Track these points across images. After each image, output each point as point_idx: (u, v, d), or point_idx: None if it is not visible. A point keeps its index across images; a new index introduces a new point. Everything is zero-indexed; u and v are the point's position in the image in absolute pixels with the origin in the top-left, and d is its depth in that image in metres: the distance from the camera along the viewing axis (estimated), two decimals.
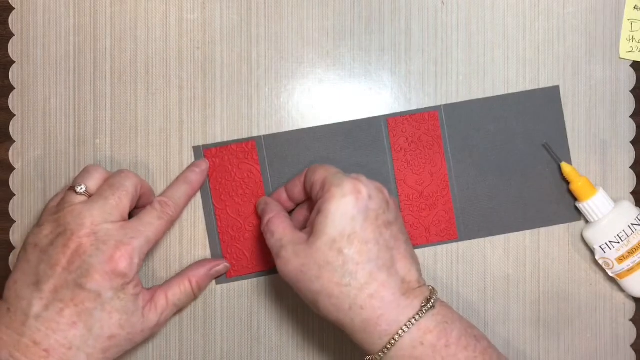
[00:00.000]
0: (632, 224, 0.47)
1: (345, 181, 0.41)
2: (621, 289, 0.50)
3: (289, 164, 0.49)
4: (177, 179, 0.48)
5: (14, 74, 0.49)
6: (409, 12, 0.50)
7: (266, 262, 0.49)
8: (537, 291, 0.50)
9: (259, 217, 0.47)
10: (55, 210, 0.42)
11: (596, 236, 0.48)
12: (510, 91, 0.50)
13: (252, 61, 0.49)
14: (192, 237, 0.49)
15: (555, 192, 0.50)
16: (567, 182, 0.49)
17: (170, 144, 0.49)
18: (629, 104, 0.50)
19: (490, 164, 0.50)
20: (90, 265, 0.40)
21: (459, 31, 0.50)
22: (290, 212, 0.48)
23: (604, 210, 0.48)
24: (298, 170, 0.48)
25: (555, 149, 0.50)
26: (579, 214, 0.50)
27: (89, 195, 0.43)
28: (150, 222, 0.43)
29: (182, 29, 0.49)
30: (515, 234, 0.50)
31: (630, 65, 0.50)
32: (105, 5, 0.49)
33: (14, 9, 0.49)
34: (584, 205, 0.48)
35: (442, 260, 0.50)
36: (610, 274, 0.49)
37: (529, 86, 0.50)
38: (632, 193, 0.51)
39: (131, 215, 0.44)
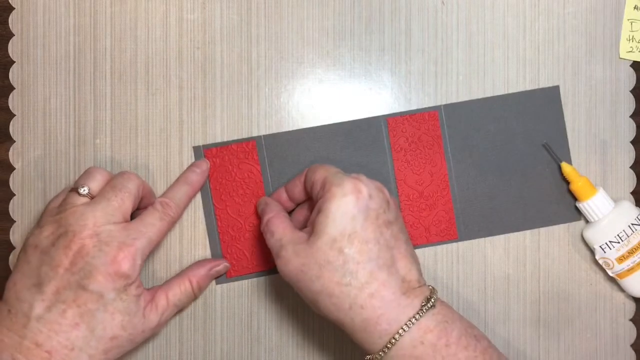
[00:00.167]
0: (632, 224, 0.47)
1: (345, 180, 0.41)
2: (621, 289, 0.50)
3: (289, 164, 0.49)
4: (178, 179, 0.48)
5: (14, 74, 0.49)
6: (409, 12, 0.50)
7: (266, 262, 0.49)
8: (537, 291, 0.50)
9: (259, 217, 0.47)
10: (57, 211, 0.42)
11: (596, 236, 0.48)
12: (510, 91, 0.50)
13: (252, 61, 0.49)
14: (192, 237, 0.49)
15: (555, 192, 0.50)
16: (567, 182, 0.49)
17: (170, 144, 0.49)
18: (629, 104, 0.50)
19: (490, 164, 0.50)
20: (93, 266, 0.40)
21: (459, 31, 0.50)
22: (290, 212, 0.48)
23: (604, 210, 0.48)
24: (298, 170, 0.48)
25: (555, 149, 0.50)
26: (579, 214, 0.50)
27: (92, 197, 0.43)
28: (152, 223, 0.43)
29: (182, 29, 0.49)
30: (515, 234, 0.50)
31: (630, 65, 0.50)
32: (105, 5, 0.49)
33: (14, 9, 0.49)
34: (584, 205, 0.48)
35: (442, 260, 0.50)
36: (610, 274, 0.49)
37: (529, 86, 0.50)
38: (632, 193, 0.51)
39: (132, 216, 0.44)
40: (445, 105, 0.50)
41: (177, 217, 0.46)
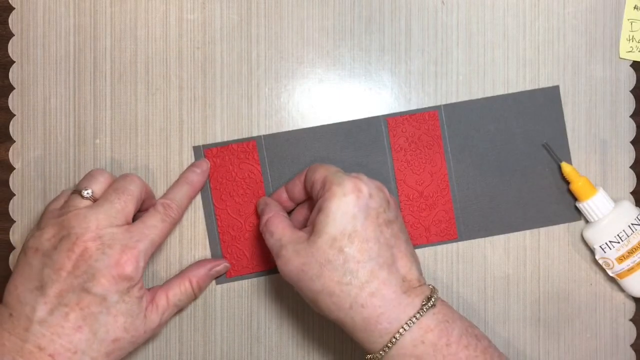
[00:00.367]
0: (632, 224, 0.47)
1: (346, 180, 0.41)
2: (621, 289, 0.50)
3: (289, 164, 0.49)
4: (179, 180, 0.48)
5: (14, 74, 0.49)
6: (409, 12, 0.50)
7: (266, 262, 0.49)
8: (537, 291, 0.50)
9: (260, 217, 0.47)
10: (59, 213, 0.42)
11: (596, 236, 0.48)
12: (510, 91, 0.50)
13: (252, 61, 0.49)
14: (192, 237, 0.49)
15: (555, 192, 0.50)
16: (567, 182, 0.49)
17: (170, 144, 0.49)
18: (629, 104, 0.50)
19: (490, 164, 0.50)
20: (97, 269, 0.40)
21: (459, 31, 0.50)
22: (290, 212, 0.48)
23: (604, 210, 0.48)
24: (298, 170, 0.48)
25: (555, 149, 0.50)
26: (579, 214, 0.50)
27: (94, 200, 0.43)
28: (154, 225, 0.43)
29: (182, 29, 0.49)
30: (515, 234, 0.50)
31: (630, 65, 0.50)
32: (105, 5, 0.49)
33: (14, 9, 0.49)
34: (584, 205, 0.48)
35: (442, 260, 0.50)
36: (610, 274, 0.49)
37: (529, 86, 0.50)
38: (632, 193, 0.51)
39: (133, 218, 0.44)
40: (445, 105, 0.50)
41: (179, 218, 0.46)
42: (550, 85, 0.50)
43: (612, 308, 0.51)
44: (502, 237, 0.50)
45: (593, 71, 0.50)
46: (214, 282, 0.49)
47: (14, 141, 0.49)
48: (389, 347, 0.39)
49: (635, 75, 0.50)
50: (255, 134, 0.49)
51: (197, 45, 0.49)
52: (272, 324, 0.49)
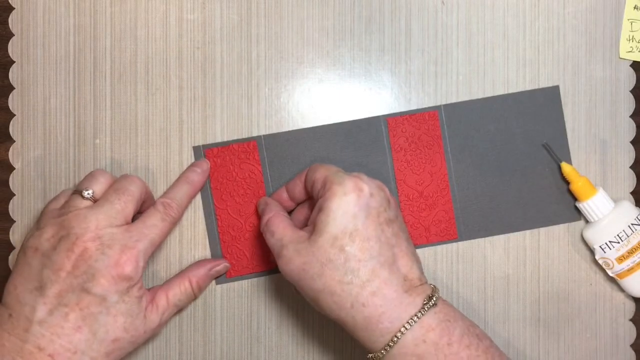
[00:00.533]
0: (632, 224, 0.47)
1: (346, 179, 0.41)
2: (621, 289, 0.50)
3: (289, 164, 0.49)
4: (179, 179, 0.48)
5: (14, 74, 0.49)
6: (409, 12, 0.50)
7: (266, 262, 0.49)
8: (537, 291, 0.50)
9: (260, 217, 0.47)
10: (58, 213, 0.42)
11: (596, 236, 0.48)
12: (510, 91, 0.50)
13: (252, 61, 0.49)
14: (192, 237, 0.49)
15: (555, 192, 0.50)
16: (567, 182, 0.49)
17: (170, 144, 0.49)
18: (629, 104, 0.50)
19: (490, 164, 0.50)
20: (96, 269, 0.40)
21: (459, 31, 0.50)
22: (290, 212, 0.48)
23: (604, 210, 0.48)
24: (298, 170, 0.48)
25: (555, 149, 0.50)
26: (579, 214, 0.50)
27: (94, 200, 0.43)
28: (154, 224, 0.43)
29: (182, 29, 0.49)
30: (515, 234, 0.50)
31: (630, 65, 0.50)
32: (105, 5, 0.49)
33: (14, 9, 0.49)
34: (584, 205, 0.48)
35: (442, 260, 0.50)
36: (610, 274, 0.49)
37: (529, 86, 0.50)
38: (632, 193, 0.51)
39: (133, 219, 0.44)
40: (445, 105, 0.50)
41: (179, 217, 0.46)
42: (550, 85, 0.50)
43: (612, 308, 0.51)
44: (502, 237, 0.50)
45: (593, 71, 0.50)
46: (213, 282, 0.49)
47: (14, 141, 0.49)
48: (390, 346, 0.39)
49: (635, 75, 0.50)
50: (255, 134, 0.49)
51: (197, 45, 0.49)
52: (272, 324, 0.49)
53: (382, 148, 0.49)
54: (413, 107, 0.50)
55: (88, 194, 0.42)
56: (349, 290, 0.39)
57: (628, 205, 0.48)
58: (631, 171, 0.50)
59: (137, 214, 0.45)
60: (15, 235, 0.49)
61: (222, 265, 0.48)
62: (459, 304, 0.50)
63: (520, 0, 0.50)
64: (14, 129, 0.49)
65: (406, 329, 0.39)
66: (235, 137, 0.49)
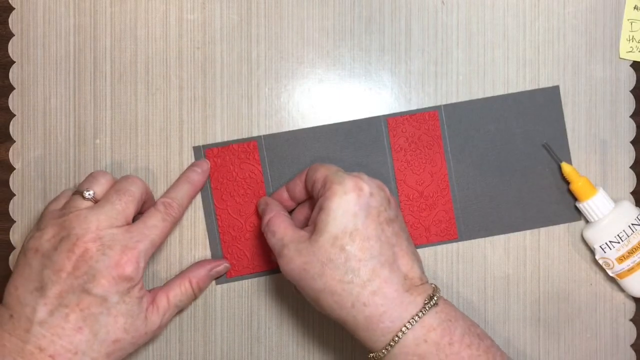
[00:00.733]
0: (632, 224, 0.48)
1: (346, 179, 0.41)
2: (621, 289, 0.50)
3: (289, 164, 0.49)
4: (179, 179, 0.48)
5: (14, 74, 0.49)
6: (409, 12, 0.50)
7: (267, 262, 0.49)
8: (537, 291, 0.50)
9: (260, 217, 0.47)
10: (59, 214, 0.42)
11: (596, 236, 0.48)
12: (510, 91, 0.50)
13: (252, 61, 0.49)
14: (192, 238, 0.49)
15: (555, 192, 0.50)
16: (567, 182, 0.49)
17: (170, 144, 0.49)
18: (629, 104, 0.50)
19: (490, 164, 0.50)
20: (97, 270, 0.40)
21: (459, 31, 0.50)
22: (291, 212, 0.48)
23: (604, 210, 0.48)
24: (298, 170, 0.48)
25: (555, 149, 0.50)
26: (579, 214, 0.50)
27: (95, 201, 0.43)
28: (154, 225, 0.43)
29: (182, 29, 0.49)
30: (515, 234, 0.50)
31: (630, 65, 0.50)
32: (105, 5, 0.49)
33: (14, 9, 0.49)
34: (584, 205, 0.48)
35: (442, 260, 0.50)
36: (611, 274, 0.49)
37: (529, 86, 0.50)
38: (632, 193, 0.51)
39: (133, 219, 0.44)
40: (445, 105, 0.50)
41: (179, 217, 0.46)
42: (550, 85, 0.50)
43: (612, 308, 0.51)
44: (502, 237, 0.50)
45: (593, 71, 0.50)
46: (214, 282, 0.49)
47: (14, 141, 0.49)
48: (391, 346, 0.39)
49: (635, 75, 0.50)
50: (255, 134, 0.49)
51: (197, 45, 0.49)
52: (273, 324, 0.49)
53: (382, 148, 0.49)
54: (413, 107, 0.50)
55: (89, 194, 0.42)
56: (349, 289, 0.39)
57: (628, 205, 0.48)
58: (631, 171, 0.50)
59: (138, 215, 0.45)
60: (16, 236, 0.49)
61: (222, 266, 0.48)
62: (459, 304, 0.50)
63: (520, 0, 0.50)
64: (14, 129, 0.49)
65: (407, 328, 0.39)
66: (235, 137, 0.49)
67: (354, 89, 0.50)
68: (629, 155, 0.50)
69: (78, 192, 0.43)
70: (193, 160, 0.49)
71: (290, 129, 0.49)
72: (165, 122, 0.49)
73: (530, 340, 0.50)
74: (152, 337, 0.44)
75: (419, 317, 0.39)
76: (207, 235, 0.49)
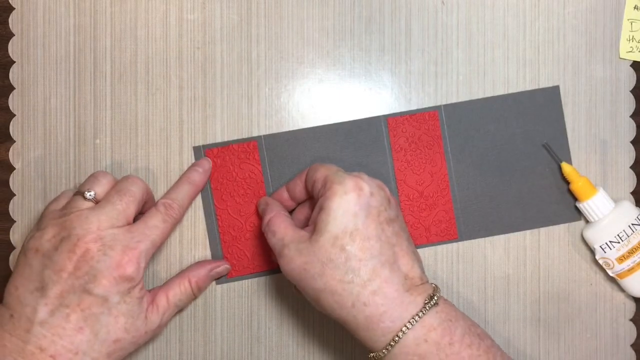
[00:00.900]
0: (632, 224, 0.48)
1: (346, 179, 0.41)
2: (621, 289, 0.50)
3: (289, 164, 0.49)
4: (180, 179, 0.48)
5: (14, 74, 0.49)
6: (409, 12, 0.50)
7: (267, 262, 0.49)
8: (537, 291, 0.50)
9: (260, 217, 0.47)
10: (60, 214, 0.42)
11: (596, 236, 0.48)
12: (510, 91, 0.50)
13: (252, 61, 0.49)
14: (192, 238, 0.49)
15: (555, 192, 0.50)
16: (567, 182, 0.49)
17: (171, 144, 0.49)
18: (629, 104, 0.50)
19: (490, 164, 0.50)
20: (98, 270, 0.40)
21: (459, 31, 0.50)
22: (291, 212, 0.48)
23: (604, 210, 0.48)
24: (298, 170, 0.48)
25: (555, 149, 0.50)
26: (579, 214, 0.50)
27: (96, 201, 0.43)
28: (155, 225, 0.43)
29: (182, 29, 0.49)
30: (515, 234, 0.50)
31: (630, 65, 0.50)
32: (105, 5, 0.49)
33: (14, 9, 0.49)
34: (584, 205, 0.48)
35: (442, 260, 0.50)
36: (611, 274, 0.49)
37: (529, 86, 0.50)
38: (632, 193, 0.51)
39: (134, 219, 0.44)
40: (445, 105, 0.50)
41: (180, 218, 0.46)
42: (550, 85, 0.50)
43: (612, 308, 0.51)
44: (502, 237, 0.50)
45: (593, 71, 0.50)
46: (214, 282, 0.49)
47: (14, 141, 0.49)
48: (391, 346, 0.39)
49: (635, 75, 0.50)
50: (255, 134, 0.49)
51: (197, 45, 0.49)
52: (273, 324, 0.49)
53: (382, 148, 0.49)
54: (413, 107, 0.50)
55: (90, 195, 0.43)
56: (350, 289, 0.39)
57: (628, 205, 0.48)
58: (631, 171, 0.50)
59: (139, 215, 0.45)
60: (16, 236, 0.49)
61: (222, 267, 0.48)
62: (460, 304, 0.50)
63: (520, 0, 0.50)
64: (14, 129, 0.49)
65: (407, 328, 0.39)
66: (235, 137, 0.49)
67: (354, 89, 0.50)
68: (629, 155, 0.50)
69: (79, 192, 0.43)
70: (193, 160, 0.49)
71: (290, 129, 0.49)
72: (165, 122, 0.49)
73: (530, 340, 0.50)
74: (152, 337, 0.44)
75: (419, 316, 0.39)
76: (207, 236, 0.49)
